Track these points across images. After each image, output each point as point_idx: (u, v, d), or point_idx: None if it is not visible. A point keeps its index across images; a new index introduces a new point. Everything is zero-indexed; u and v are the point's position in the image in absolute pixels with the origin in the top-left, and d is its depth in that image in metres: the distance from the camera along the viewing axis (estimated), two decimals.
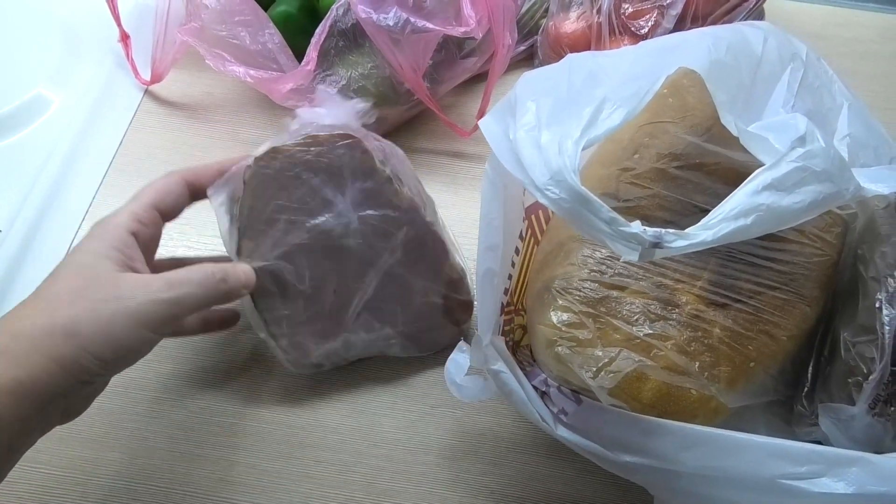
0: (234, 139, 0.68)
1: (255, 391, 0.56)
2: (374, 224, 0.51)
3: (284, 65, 0.60)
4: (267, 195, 0.49)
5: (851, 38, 0.75)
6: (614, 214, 0.36)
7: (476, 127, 0.67)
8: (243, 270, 0.49)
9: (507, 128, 0.42)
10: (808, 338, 0.50)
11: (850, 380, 0.46)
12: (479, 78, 0.72)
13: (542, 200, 0.37)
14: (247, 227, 0.50)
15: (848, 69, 0.73)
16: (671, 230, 0.37)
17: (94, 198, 0.65)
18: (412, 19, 0.56)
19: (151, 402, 0.56)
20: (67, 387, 0.40)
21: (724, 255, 0.48)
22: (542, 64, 0.74)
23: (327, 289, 0.53)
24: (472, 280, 0.57)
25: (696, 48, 0.47)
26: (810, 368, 0.51)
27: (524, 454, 0.54)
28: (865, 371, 0.45)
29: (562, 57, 0.47)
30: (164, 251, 0.61)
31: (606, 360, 0.44)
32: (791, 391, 0.51)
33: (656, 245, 0.36)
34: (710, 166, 0.49)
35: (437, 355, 0.57)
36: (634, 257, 0.37)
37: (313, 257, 0.51)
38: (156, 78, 0.68)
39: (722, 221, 0.38)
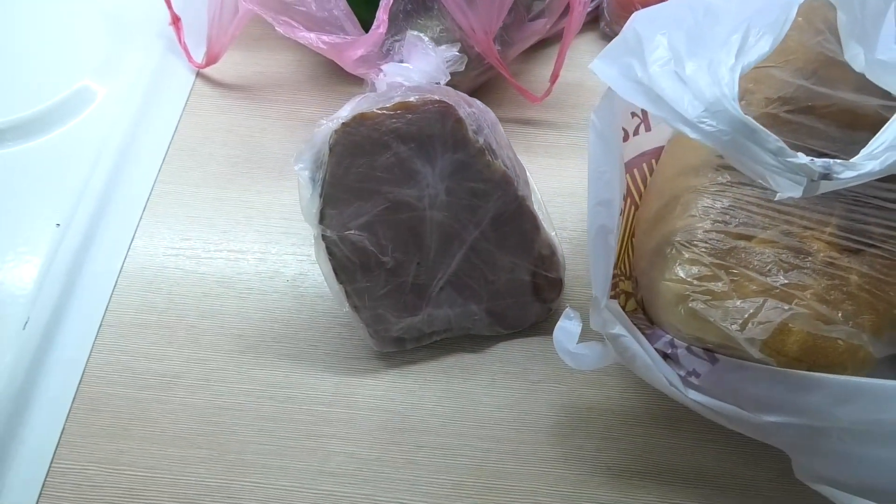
0: (295, 118, 0.65)
1: (343, 378, 0.53)
2: (462, 197, 0.48)
3: (350, 33, 0.57)
4: (352, 162, 0.46)
5: None
6: (782, 144, 0.33)
7: (548, 92, 0.64)
8: None
9: (629, 67, 0.39)
10: None
11: None
12: (546, 43, 0.69)
13: (694, 135, 0.34)
14: (330, 195, 0.47)
15: None
16: (839, 160, 0.34)
17: (153, 185, 0.61)
18: None
19: (235, 394, 0.52)
20: None
21: (850, 199, 0.45)
22: (608, 27, 0.70)
23: (410, 261, 0.50)
24: (562, 256, 0.54)
25: None
26: None
27: (637, 426, 0.51)
28: None
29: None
30: (229, 237, 0.59)
31: (752, 311, 0.40)
32: None
33: (825, 176, 0.33)
34: (821, 109, 0.46)
35: (527, 330, 0.54)
36: (798, 192, 0.34)
37: (396, 229, 0.48)
38: (212, 59, 0.65)
39: (888, 150, 0.35)
